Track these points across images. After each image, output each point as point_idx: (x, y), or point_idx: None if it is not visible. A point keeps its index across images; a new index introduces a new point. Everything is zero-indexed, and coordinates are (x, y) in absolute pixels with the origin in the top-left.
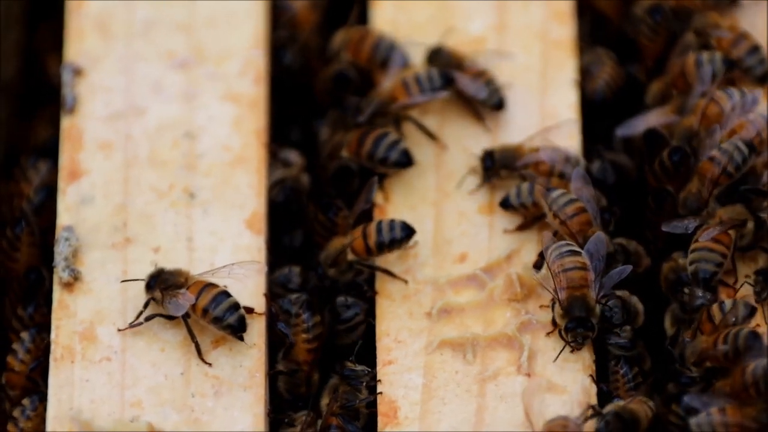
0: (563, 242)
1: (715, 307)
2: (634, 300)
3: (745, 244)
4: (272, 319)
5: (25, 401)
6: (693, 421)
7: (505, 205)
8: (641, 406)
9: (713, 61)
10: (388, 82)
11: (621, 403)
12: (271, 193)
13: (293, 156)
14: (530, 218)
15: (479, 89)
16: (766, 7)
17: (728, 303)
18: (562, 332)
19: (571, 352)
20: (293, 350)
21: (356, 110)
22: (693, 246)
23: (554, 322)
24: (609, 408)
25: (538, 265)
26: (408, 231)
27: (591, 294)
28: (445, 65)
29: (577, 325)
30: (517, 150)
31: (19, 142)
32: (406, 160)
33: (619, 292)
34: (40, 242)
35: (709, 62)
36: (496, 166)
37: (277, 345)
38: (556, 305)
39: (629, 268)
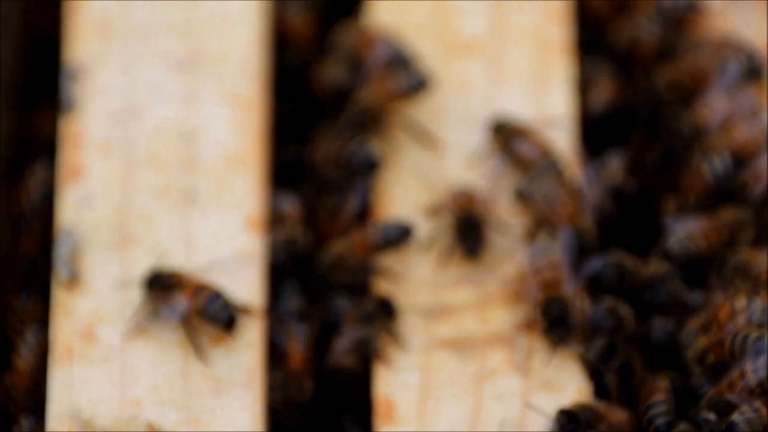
0: (543, 243)
1: (741, 302)
2: (624, 307)
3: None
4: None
5: (23, 421)
6: (739, 419)
7: (520, 195)
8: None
9: (741, 63)
10: (371, 85)
11: (584, 402)
12: (270, 254)
13: (288, 205)
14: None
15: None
16: (761, 7)
17: (758, 304)
18: (543, 333)
19: (562, 347)
20: (286, 360)
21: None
22: (681, 229)
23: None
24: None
25: None
26: (408, 229)
27: (567, 292)
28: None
29: (554, 325)
30: (522, 132)
31: (20, 141)
32: (373, 161)
33: (607, 300)
34: (40, 242)
35: (736, 64)
36: (497, 135)
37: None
38: (536, 306)
39: (600, 262)
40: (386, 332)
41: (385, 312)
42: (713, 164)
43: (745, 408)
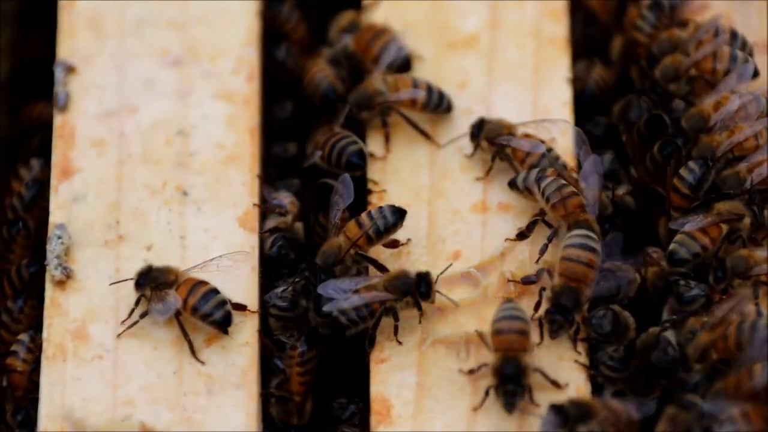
0: (587, 233)
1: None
2: (625, 314)
3: (741, 237)
4: (265, 352)
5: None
6: (718, 431)
7: (511, 185)
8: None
9: (747, 63)
10: (385, 79)
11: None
12: (264, 245)
13: (287, 201)
14: (531, 218)
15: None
16: (761, 6)
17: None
18: (542, 317)
19: (552, 338)
20: (287, 384)
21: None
22: (681, 231)
23: (536, 306)
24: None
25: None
26: (400, 213)
27: (587, 291)
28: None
29: (557, 311)
30: (506, 128)
31: (14, 140)
32: (358, 162)
33: (613, 306)
34: (34, 240)
35: (743, 63)
36: (481, 135)
37: (269, 347)
38: (547, 290)
39: (616, 285)
40: (413, 306)
41: (423, 288)
42: (685, 178)
43: (724, 420)
